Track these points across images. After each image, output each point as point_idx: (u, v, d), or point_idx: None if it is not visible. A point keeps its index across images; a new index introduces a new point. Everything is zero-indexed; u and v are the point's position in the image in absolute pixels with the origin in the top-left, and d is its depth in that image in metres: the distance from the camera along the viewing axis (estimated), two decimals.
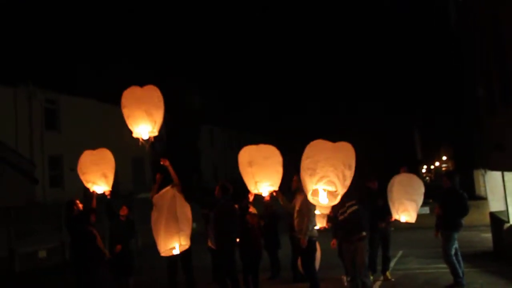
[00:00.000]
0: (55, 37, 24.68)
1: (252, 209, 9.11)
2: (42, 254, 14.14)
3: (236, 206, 8.32)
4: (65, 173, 25.81)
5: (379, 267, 9.58)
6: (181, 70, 32.51)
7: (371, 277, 8.86)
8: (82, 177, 7.69)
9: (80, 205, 8.43)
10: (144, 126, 6.73)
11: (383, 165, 24.65)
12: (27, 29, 23.30)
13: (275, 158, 7.16)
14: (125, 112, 6.71)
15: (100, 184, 7.64)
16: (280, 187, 7.38)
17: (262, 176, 7.19)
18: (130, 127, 6.74)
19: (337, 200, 6.19)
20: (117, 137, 28.79)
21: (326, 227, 8.89)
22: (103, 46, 27.85)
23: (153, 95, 6.84)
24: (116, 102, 27.45)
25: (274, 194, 7.47)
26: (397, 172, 9.04)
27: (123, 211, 9.47)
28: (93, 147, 28.48)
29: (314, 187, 6.02)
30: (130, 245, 9.33)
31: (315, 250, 8.08)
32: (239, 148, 7.69)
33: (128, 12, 31.69)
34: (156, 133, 6.92)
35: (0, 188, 18.78)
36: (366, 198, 8.45)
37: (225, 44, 38.88)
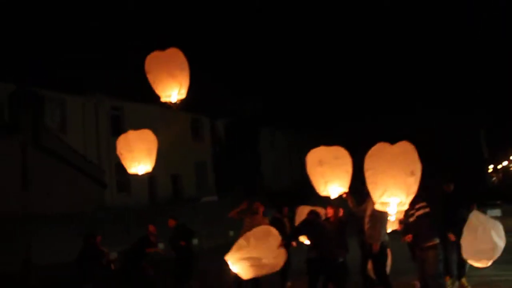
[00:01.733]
0: (120, 48, 25.49)
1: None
2: (113, 256, 14.57)
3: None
4: (131, 178, 26.59)
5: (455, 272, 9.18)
6: (241, 73, 32.74)
7: (449, 282, 8.47)
8: (128, 155, 7.63)
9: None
10: (171, 90, 6.68)
11: (450, 165, 23.92)
12: (94, 42, 24.18)
13: (345, 159, 7.02)
14: (150, 77, 6.65)
15: (145, 163, 7.65)
16: (349, 189, 7.25)
17: (332, 176, 7.07)
18: (157, 92, 6.71)
19: (406, 207, 5.97)
20: (180, 142, 29.67)
21: (398, 229, 8.59)
22: None
23: (176, 57, 6.67)
24: (178, 108, 27.72)
25: (344, 196, 7.32)
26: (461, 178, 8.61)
27: (171, 223, 9.74)
28: (158, 152, 28.98)
29: (380, 200, 5.84)
30: (188, 250, 9.57)
31: (386, 255, 7.86)
32: (300, 151, 7.65)
33: (187, 18, 32.31)
34: (183, 95, 6.84)
35: (73, 194, 19.62)
36: (440, 201, 8.09)
37: (287, 48, 38.86)
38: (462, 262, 9.08)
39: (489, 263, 7.68)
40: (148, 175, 28.60)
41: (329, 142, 7.50)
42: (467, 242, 7.68)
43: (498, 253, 7.57)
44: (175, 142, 29.12)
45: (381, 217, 7.51)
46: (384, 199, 5.74)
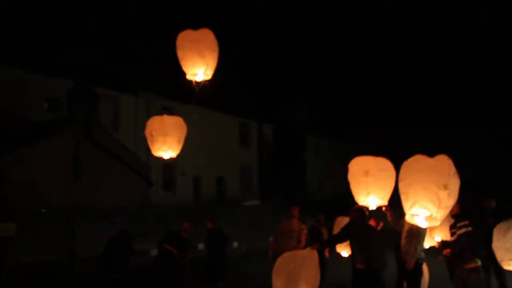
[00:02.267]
0: (171, 50, 26.06)
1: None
2: (154, 252, 14.93)
3: None
4: (177, 177, 27.15)
5: None
6: (288, 81, 32.85)
7: None
8: (160, 138, 7.66)
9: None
10: (198, 68, 6.73)
11: (501, 186, 23.08)
12: (147, 43, 24.83)
13: (390, 172, 6.93)
14: (179, 53, 6.71)
15: (174, 149, 7.69)
16: (389, 203, 7.17)
17: (376, 188, 7.01)
18: (184, 69, 6.76)
19: (438, 222, 5.83)
20: (226, 145, 30.03)
21: (437, 246, 8.42)
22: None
23: (207, 37, 6.71)
24: (226, 111, 28.16)
25: (384, 209, 7.25)
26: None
27: (209, 225, 9.94)
28: (204, 153, 29.62)
29: (410, 212, 5.75)
30: (220, 253, 9.70)
31: (421, 273, 7.72)
32: (345, 161, 7.57)
33: (228, 24, 32.69)
34: (209, 76, 6.86)
35: (120, 190, 20.22)
36: (479, 219, 7.82)
37: (334, 57, 38.69)
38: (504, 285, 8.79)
39: None
40: (193, 175, 29.14)
41: (373, 152, 7.44)
42: (497, 247, 7.28)
43: None
44: (223, 144, 29.56)
45: (418, 233, 7.39)
46: (414, 211, 5.66)
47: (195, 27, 6.85)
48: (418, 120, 32.91)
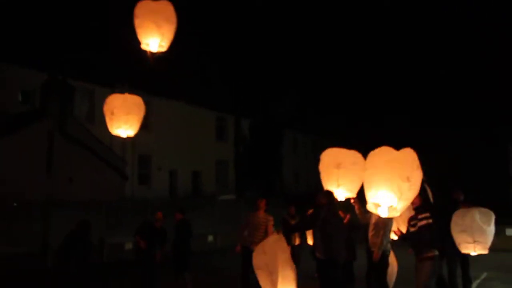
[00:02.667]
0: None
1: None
2: (129, 246, 14.93)
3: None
4: (152, 172, 27.08)
5: None
6: (266, 75, 32.91)
7: None
8: (123, 117, 7.54)
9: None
10: (153, 38, 6.81)
11: (472, 179, 23.68)
12: (122, 35, 24.63)
13: (361, 165, 7.07)
14: (136, 22, 6.75)
15: (133, 128, 7.58)
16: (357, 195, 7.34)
17: (347, 180, 7.16)
18: (140, 38, 6.83)
19: (398, 213, 5.99)
20: (203, 139, 30.03)
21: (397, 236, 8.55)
22: (192, 52, 28.85)
23: (166, 9, 6.75)
24: (203, 105, 28.08)
25: (352, 201, 7.42)
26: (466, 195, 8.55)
27: (177, 216, 10.02)
28: (180, 148, 29.64)
29: (371, 200, 5.93)
30: (185, 245, 9.83)
31: (387, 264, 7.93)
32: (319, 155, 7.66)
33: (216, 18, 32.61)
34: (164, 48, 6.92)
35: (95, 183, 20.11)
36: (448, 210, 8.06)
37: (311, 52, 38.87)
38: (468, 278, 9.07)
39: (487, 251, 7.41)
40: (169, 170, 29.05)
41: (347, 145, 7.59)
42: (456, 233, 7.55)
43: (490, 239, 7.35)
44: (199, 139, 29.56)
45: (385, 225, 7.61)
46: (375, 200, 5.83)
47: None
48: (394, 117, 33.33)
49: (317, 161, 7.61)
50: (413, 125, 31.74)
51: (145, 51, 6.90)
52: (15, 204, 14.99)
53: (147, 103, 27.02)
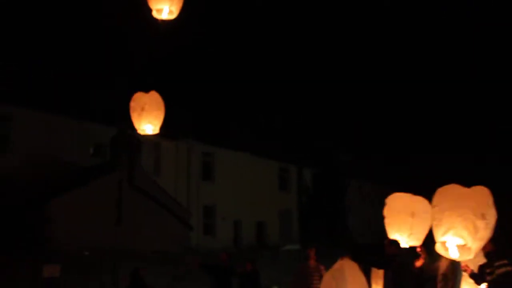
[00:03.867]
0: (211, 97, 26.80)
1: None
2: None
3: None
4: (217, 222, 27.24)
5: None
6: (329, 126, 32.91)
7: None
8: (154, 113, 7.58)
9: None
10: (163, 4, 6.65)
11: None
12: (189, 92, 25.59)
13: (429, 213, 6.78)
14: None
15: (158, 125, 7.61)
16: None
17: (419, 230, 6.86)
18: (150, 5, 6.79)
19: (472, 255, 5.55)
20: (266, 190, 30.05)
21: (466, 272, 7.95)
22: (254, 104, 29.48)
23: None
24: (265, 156, 27.97)
25: (418, 250, 7.05)
26: None
27: (248, 266, 9.82)
28: (244, 198, 29.65)
29: (441, 239, 5.49)
30: None
31: None
32: (383, 202, 7.41)
33: (268, 69, 33.26)
34: (174, 15, 6.83)
35: (161, 234, 20.45)
36: None
37: (373, 103, 38.66)
38: None
39: None
40: (233, 220, 28.97)
41: (410, 190, 7.33)
42: None
43: None
44: (262, 189, 29.60)
45: (454, 276, 7.06)
46: (446, 238, 5.41)
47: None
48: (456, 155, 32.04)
49: (381, 208, 7.36)
50: (477, 164, 30.37)
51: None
52: (86, 253, 15.42)
53: (211, 155, 27.60)
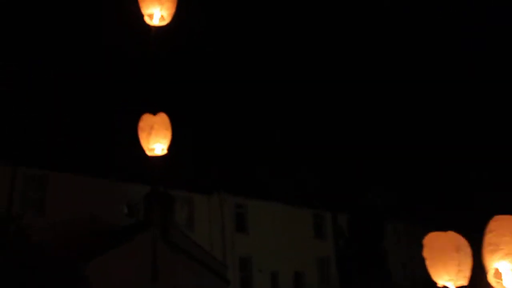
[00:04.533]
0: (240, 148, 27.06)
1: None
2: None
3: None
4: (254, 274, 26.90)
5: None
6: (360, 169, 32.65)
7: None
8: (163, 133, 7.56)
9: None
10: (153, 8, 6.73)
11: None
12: (217, 143, 25.94)
13: (470, 248, 6.60)
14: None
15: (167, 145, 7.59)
16: None
17: (466, 265, 6.64)
18: (142, 11, 6.79)
19: None
20: (301, 238, 29.70)
21: None
22: (285, 152, 29.58)
23: None
24: (298, 204, 27.92)
25: None
26: None
27: None
28: (279, 248, 29.44)
29: (496, 265, 5.19)
30: None
31: None
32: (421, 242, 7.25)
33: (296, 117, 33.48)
34: (166, 21, 6.81)
35: None
36: None
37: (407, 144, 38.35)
38: None
39: None
40: (270, 271, 28.64)
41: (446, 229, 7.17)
42: None
43: None
44: (298, 238, 29.27)
45: None
46: (502, 264, 5.05)
47: None
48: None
49: (417, 249, 7.19)
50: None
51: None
52: None
53: (243, 206, 27.70)
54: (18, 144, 20.87)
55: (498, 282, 5.21)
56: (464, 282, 6.67)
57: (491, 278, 5.25)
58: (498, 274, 5.14)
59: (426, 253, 7.01)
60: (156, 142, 7.59)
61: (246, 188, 26.92)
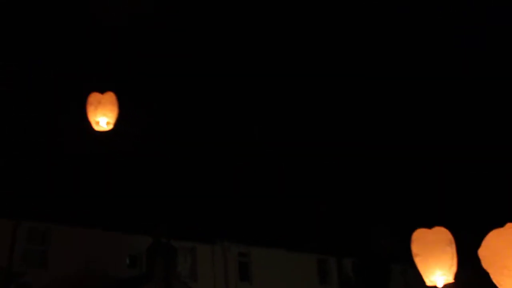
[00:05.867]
0: (241, 196, 26.93)
1: None
2: None
3: None
4: None
5: None
6: (365, 210, 32.39)
7: None
8: (109, 107, 7.67)
9: None
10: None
11: None
12: (218, 191, 25.85)
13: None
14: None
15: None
16: None
17: (455, 261, 6.41)
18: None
19: None
20: (307, 284, 29.17)
21: None
22: (286, 197, 29.44)
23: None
24: (302, 249, 27.67)
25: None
26: None
27: None
28: None
29: None
30: None
31: None
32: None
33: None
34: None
35: None
36: None
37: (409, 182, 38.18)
38: None
39: None
40: None
41: None
42: None
43: None
44: (302, 284, 28.73)
45: None
46: None
47: None
48: None
49: None
50: None
51: None
52: None
53: (247, 255, 27.39)
54: (19, 198, 20.82)
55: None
56: (452, 279, 6.40)
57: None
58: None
59: (416, 248, 6.55)
60: (102, 115, 7.86)
61: (249, 235, 26.66)
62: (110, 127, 7.74)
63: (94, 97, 7.87)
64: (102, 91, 7.60)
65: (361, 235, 32.17)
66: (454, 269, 6.29)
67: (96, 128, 7.73)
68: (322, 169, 33.59)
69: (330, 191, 32.52)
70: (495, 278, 6.11)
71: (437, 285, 6.19)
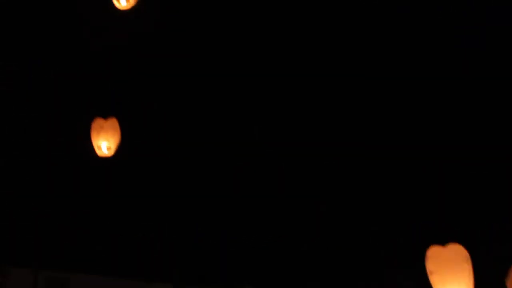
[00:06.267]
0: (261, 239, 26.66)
1: None
2: None
3: None
4: None
5: None
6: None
7: None
8: (111, 132, 7.78)
9: None
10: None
11: None
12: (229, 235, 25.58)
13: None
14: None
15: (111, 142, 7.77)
16: None
17: (472, 279, 6.37)
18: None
19: None
20: None
21: None
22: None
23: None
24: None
25: None
26: None
27: None
28: None
29: None
30: None
31: None
32: None
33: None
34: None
35: None
36: None
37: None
38: None
39: None
40: None
41: None
42: None
43: None
44: None
45: None
46: None
47: None
48: None
49: None
50: None
51: None
52: None
53: None
54: (38, 247, 20.61)
55: None
56: None
57: None
58: None
59: (431, 266, 6.41)
60: (104, 140, 7.96)
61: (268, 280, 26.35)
62: (112, 152, 7.80)
63: (97, 122, 7.94)
64: (105, 115, 7.69)
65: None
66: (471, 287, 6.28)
67: (99, 153, 7.78)
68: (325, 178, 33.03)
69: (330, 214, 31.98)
70: None
71: None
